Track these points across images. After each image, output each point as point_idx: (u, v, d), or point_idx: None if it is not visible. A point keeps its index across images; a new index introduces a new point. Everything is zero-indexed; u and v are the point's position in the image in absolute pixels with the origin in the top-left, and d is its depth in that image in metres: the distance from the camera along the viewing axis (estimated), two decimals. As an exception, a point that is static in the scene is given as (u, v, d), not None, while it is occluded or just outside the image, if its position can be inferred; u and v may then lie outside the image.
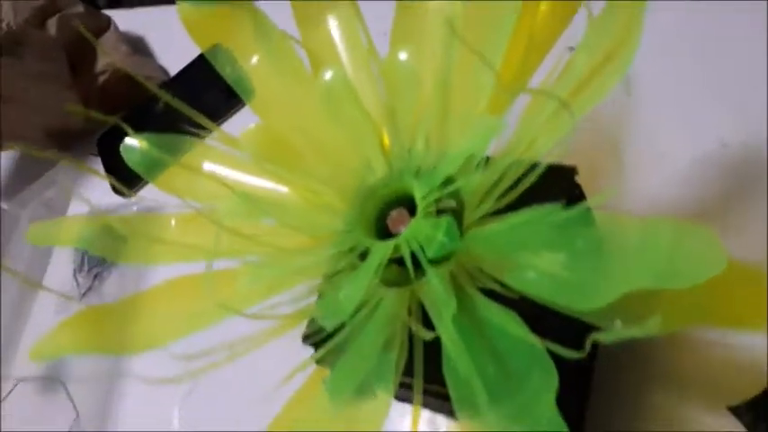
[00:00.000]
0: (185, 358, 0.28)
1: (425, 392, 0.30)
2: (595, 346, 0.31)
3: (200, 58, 0.70)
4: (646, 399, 0.40)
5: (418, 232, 0.31)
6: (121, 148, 0.38)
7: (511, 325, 0.26)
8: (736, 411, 0.38)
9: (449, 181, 0.32)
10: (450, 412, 0.37)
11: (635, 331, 0.21)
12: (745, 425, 0.38)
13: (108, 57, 0.68)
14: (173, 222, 0.36)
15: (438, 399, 0.31)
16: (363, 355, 0.30)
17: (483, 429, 0.24)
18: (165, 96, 0.34)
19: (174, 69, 0.72)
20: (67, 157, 0.34)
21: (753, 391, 0.37)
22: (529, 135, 0.31)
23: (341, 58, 0.36)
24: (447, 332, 0.28)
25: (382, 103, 0.35)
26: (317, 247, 0.34)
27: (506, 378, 0.25)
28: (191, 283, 0.33)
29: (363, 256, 0.33)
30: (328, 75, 0.34)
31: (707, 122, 0.43)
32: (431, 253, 0.27)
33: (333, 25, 0.36)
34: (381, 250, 0.31)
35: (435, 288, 0.29)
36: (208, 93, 0.62)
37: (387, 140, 0.35)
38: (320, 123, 0.34)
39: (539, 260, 0.27)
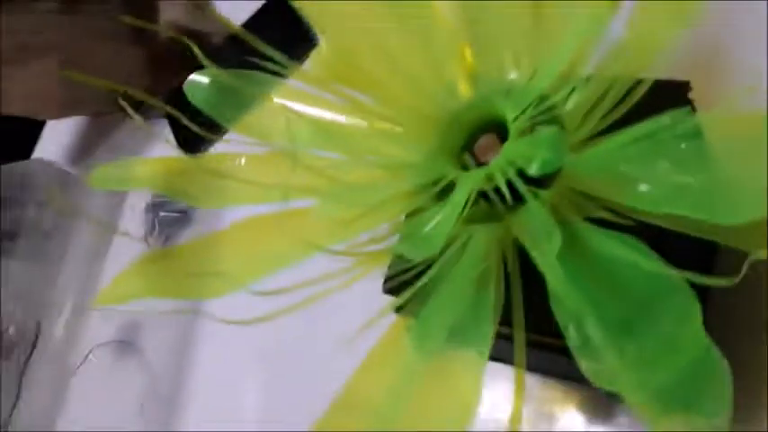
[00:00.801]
0: (265, 294, 0.26)
1: (529, 345, 0.27)
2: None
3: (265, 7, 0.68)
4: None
5: (514, 156, 0.27)
6: (186, 86, 0.35)
7: (634, 253, 0.22)
8: None
9: (545, 98, 0.28)
10: (559, 371, 0.34)
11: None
12: None
13: (169, 12, 0.66)
14: (242, 161, 0.34)
15: (543, 352, 0.28)
16: (454, 298, 0.27)
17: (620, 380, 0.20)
18: (248, 37, 0.32)
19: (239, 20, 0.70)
20: (134, 119, 0.32)
21: None
22: (634, 47, 0.27)
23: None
24: (552, 268, 0.25)
25: (464, 16, 0.31)
26: (395, 180, 0.31)
27: (637, 314, 0.21)
28: (268, 221, 0.31)
29: (447, 189, 0.30)
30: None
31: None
32: (534, 171, 0.24)
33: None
34: (471, 179, 0.28)
35: (536, 217, 0.26)
36: (278, 42, 0.60)
37: (469, 58, 0.31)
38: (395, 41, 0.31)
39: (654, 171, 0.23)
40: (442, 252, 0.29)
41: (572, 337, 0.22)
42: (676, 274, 0.21)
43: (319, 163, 0.31)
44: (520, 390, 0.24)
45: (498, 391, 0.33)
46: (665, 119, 0.25)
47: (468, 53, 0.31)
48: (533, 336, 0.27)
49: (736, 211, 0.19)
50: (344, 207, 0.29)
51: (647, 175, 0.24)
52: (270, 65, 0.31)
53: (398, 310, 0.31)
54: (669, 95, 0.30)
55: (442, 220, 0.26)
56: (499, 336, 0.27)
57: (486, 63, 0.31)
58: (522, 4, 0.29)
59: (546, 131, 0.24)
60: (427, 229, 0.26)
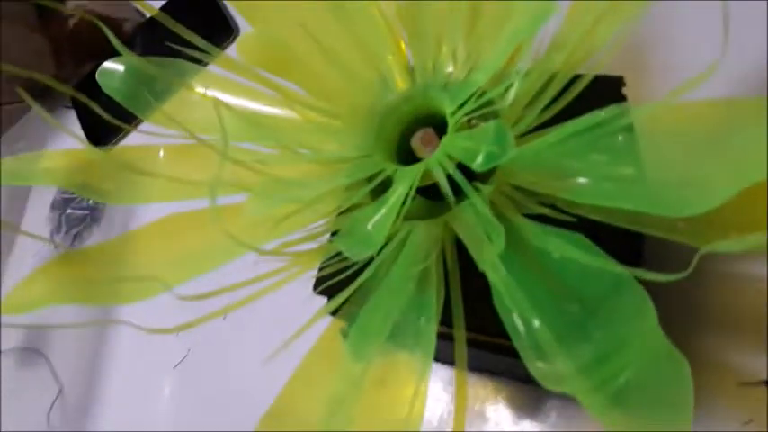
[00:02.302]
0: (189, 299, 0.24)
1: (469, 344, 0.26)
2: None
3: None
4: (693, 343, 0.36)
5: (453, 150, 0.26)
6: (99, 74, 0.33)
7: (580, 251, 0.22)
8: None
9: (483, 93, 0.27)
10: (499, 370, 0.33)
11: (741, 244, 0.17)
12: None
13: (77, -3, 0.61)
14: (161, 154, 0.31)
15: (483, 351, 0.27)
16: (392, 297, 0.25)
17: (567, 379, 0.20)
18: (166, 22, 0.29)
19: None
20: (37, 108, 0.29)
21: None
22: (571, 44, 0.27)
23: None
24: (494, 266, 0.24)
25: (401, 10, 0.30)
26: (330, 175, 0.29)
27: (587, 313, 0.21)
28: (190, 218, 0.29)
29: (385, 185, 0.29)
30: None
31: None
32: (479, 165, 0.23)
33: None
34: (410, 174, 0.27)
35: (477, 213, 0.25)
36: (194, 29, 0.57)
37: (405, 52, 0.30)
38: (330, 33, 0.29)
39: (592, 164, 0.23)
40: (379, 250, 0.28)
41: (519, 339, 0.22)
42: (623, 273, 0.20)
43: (248, 157, 0.29)
44: (463, 391, 0.23)
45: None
46: (600, 114, 0.24)
47: (403, 46, 0.30)
48: (473, 335, 0.26)
49: (683, 204, 0.19)
50: (277, 203, 0.27)
51: (585, 168, 0.24)
52: (188, 52, 0.29)
53: (334, 313, 0.29)
54: (604, 91, 0.30)
55: (382, 216, 0.25)
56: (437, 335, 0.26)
57: (423, 57, 0.30)
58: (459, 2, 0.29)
59: (490, 125, 0.24)
60: (367, 225, 0.25)
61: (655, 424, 0.18)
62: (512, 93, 0.28)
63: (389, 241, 0.28)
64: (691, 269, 0.18)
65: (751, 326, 0.32)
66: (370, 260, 0.28)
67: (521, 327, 0.22)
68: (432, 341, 0.23)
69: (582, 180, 0.24)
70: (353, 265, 0.29)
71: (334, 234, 0.31)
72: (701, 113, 0.24)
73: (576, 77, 0.27)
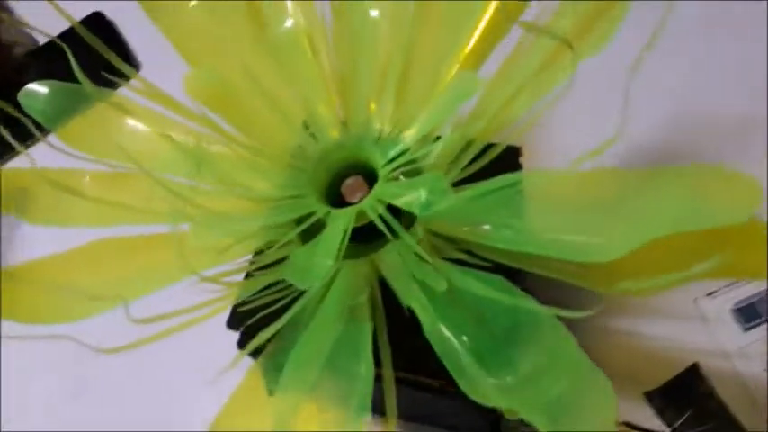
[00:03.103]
0: (140, 322, 0.24)
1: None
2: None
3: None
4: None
5: (386, 196, 0.29)
6: (21, 95, 0.32)
7: (499, 291, 0.25)
8: (649, 396, 0.40)
9: (409, 151, 0.31)
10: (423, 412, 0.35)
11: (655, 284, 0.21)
12: (656, 409, 0.40)
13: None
14: (87, 180, 0.31)
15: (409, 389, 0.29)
16: (324, 333, 0.27)
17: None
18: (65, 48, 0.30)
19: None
20: None
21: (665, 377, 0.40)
22: (487, 114, 0.31)
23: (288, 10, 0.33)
24: (419, 300, 0.27)
25: (337, 63, 0.32)
26: (263, 213, 0.31)
27: (507, 344, 0.24)
28: (118, 245, 0.29)
29: (318, 225, 0.30)
30: (288, 23, 0.32)
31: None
32: (420, 209, 0.26)
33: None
34: (344, 216, 0.29)
35: (411, 253, 0.28)
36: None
37: (335, 102, 0.33)
38: (267, 73, 0.31)
39: (502, 218, 0.26)
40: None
41: (450, 368, 0.24)
42: (537, 308, 0.23)
43: (180, 189, 0.30)
44: (392, 420, 0.25)
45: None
46: (498, 180, 0.28)
47: (334, 99, 0.32)
48: (401, 374, 0.28)
49: (608, 250, 0.22)
50: (217, 235, 0.28)
51: (489, 218, 0.27)
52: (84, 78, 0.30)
53: (255, 354, 0.30)
54: (506, 157, 0.34)
55: (328, 248, 0.27)
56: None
57: (356, 111, 0.33)
58: (391, 62, 0.32)
59: (430, 175, 0.27)
60: (315, 258, 0.27)
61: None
62: (434, 154, 0.31)
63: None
64: (601, 308, 0.21)
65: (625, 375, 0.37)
66: (294, 299, 0.29)
67: (450, 358, 0.24)
68: (369, 384, 0.25)
69: (486, 227, 0.28)
70: (275, 302, 0.30)
71: (247, 276, 0.32)
72: (588, 181, 0.28)
73: (490, 145, 0.31)
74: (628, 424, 0.40)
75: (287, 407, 0.25)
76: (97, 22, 0.64)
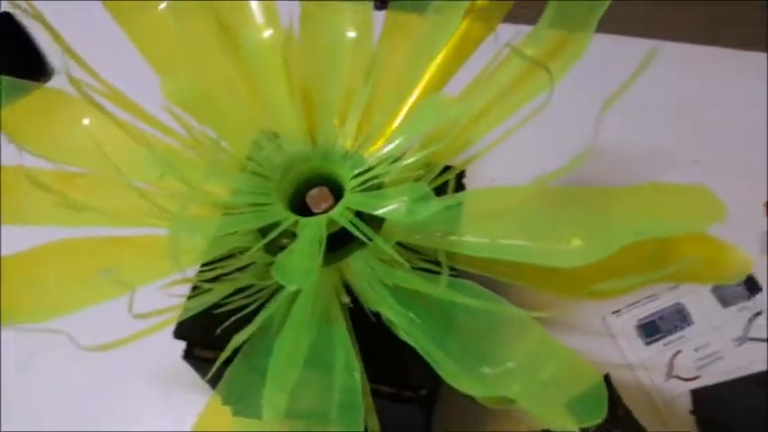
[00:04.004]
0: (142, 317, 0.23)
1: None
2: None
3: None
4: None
5: (356, 205, 0.30)
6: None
7: (470, 297, 0.27)
8: (568, 405, 0.44)
9: (376, 167, 0.32)
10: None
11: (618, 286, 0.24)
12: (572, 417, 0.44)
13: None
14: (52, 179, 0.30)
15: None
16: (301, 332, 0.28)
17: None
18: None
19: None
20: None
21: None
22: (447, 138, 0.33)
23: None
24: (389, 305, 0.28)
25: (307, 79, 0.34)
26: (233, 218, 0.31)
27: (484, 344, 0.26)
28: (86, 245, 0.28)
29: (285, 232, 0.31)
30: (257, 35, 0.33)
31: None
32: (404, 217, 0.27)
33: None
34: (315, 224, 0.30)
35: (372, 261, 0.29)
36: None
37: (302, 115, 0.34)
38: (237, 80, 0.32)
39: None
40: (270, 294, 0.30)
41: (434, 365, 0.26)
42: (509, 307, 0.26)
43: (144, 192, 0.30)
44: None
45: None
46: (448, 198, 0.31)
47: (302, 111, 0.34)
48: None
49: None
50: (196, 234, 0.28)
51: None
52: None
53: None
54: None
55: (304, 257, 0.28)
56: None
57: (324, 126, 0.34)
58: (358, 78, 0.34)
59: (410, 185, 0.29)
60: (298, 260, 0.27)
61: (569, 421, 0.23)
62: (396, 172, 0.33)
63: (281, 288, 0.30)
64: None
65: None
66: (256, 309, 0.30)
67: (431, 354, 0.26)
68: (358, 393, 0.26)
69: (454, 237, 0.30)
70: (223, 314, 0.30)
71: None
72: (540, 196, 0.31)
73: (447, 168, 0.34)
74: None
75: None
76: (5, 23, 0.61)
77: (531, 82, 0.30)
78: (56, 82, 0.33)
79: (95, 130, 0.31)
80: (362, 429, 0.25)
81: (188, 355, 0.34)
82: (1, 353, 0.45)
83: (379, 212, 0.28)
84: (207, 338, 0.32)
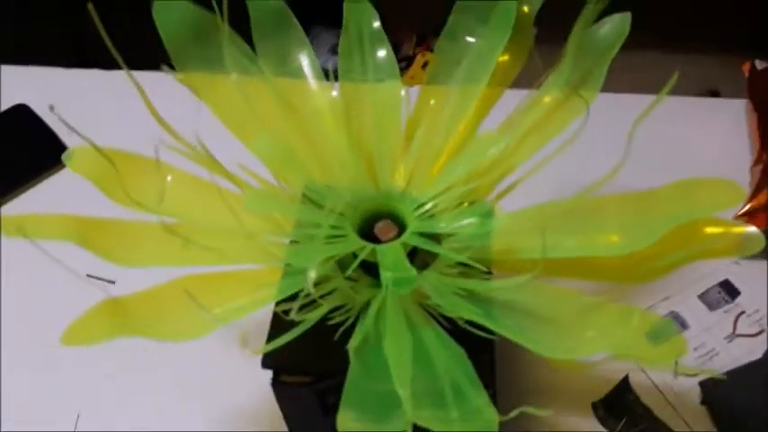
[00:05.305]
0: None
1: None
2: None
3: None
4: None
5: (426, 228, 0.36)
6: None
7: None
8: (594, 407, 0.49)
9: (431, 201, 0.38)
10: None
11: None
12: (599, 418, 0.49)
13: None
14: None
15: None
16: (401, 341, 0.32)
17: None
18: None
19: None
20: None
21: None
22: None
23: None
24: (470, 310, 0.33)
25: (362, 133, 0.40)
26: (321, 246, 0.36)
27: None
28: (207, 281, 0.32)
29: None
30: (322, 100, 0.39)
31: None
32: (481, 228, 0.33)
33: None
34: (393, 248, 0.35)
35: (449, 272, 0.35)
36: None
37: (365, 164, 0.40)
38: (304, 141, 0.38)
39: None
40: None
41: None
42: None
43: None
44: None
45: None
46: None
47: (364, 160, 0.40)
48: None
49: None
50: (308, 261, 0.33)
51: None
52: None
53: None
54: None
55: (397, 272, 0.33)
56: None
57: (384, 171, 0.40)
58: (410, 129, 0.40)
59: (482, 203, 0.35)
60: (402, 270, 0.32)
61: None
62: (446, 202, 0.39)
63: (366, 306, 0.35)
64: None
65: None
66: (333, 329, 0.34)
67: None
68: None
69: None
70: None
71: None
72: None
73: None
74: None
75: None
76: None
77: (562, 113, 0.37)
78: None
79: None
80: None
81: (275, 383, 0.38)
82: (1, 353, 0.48)
83: (453, 228, 0.34)
84: (294, 365, 0.37)
